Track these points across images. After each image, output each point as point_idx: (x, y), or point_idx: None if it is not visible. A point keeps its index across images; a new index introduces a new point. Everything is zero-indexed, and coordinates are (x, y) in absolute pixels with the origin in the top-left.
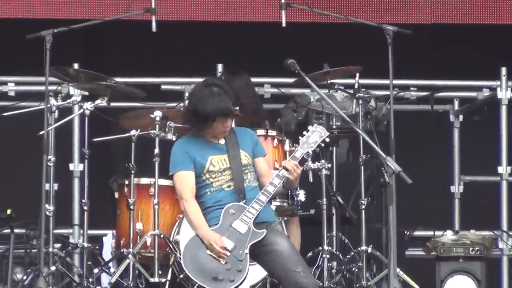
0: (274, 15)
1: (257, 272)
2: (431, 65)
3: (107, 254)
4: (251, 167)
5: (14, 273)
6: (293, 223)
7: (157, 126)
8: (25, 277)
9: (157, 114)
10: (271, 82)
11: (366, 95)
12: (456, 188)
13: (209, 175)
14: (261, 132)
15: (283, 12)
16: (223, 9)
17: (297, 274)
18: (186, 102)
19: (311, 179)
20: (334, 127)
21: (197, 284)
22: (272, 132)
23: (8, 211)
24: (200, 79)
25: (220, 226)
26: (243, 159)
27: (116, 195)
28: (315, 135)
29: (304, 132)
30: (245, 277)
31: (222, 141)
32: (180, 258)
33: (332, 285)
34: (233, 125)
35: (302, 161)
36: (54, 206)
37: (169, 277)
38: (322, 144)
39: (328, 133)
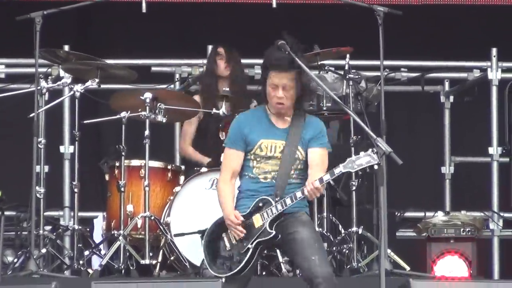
0: None
1: None
2: (421, 46)
3: (97, 236)
4: (300, 163)
5: (4, 255)
6: None
7: (147, 107)
8: (15, 260)
9: (147, 95)
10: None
11: (357, 76)
12: (447, 169)
13: (253, 157)
14: None
15: None
16: None
17: (311, 261)
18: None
19: None
20: (324, 108)
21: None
22: None
23: None
24: (190, 61)
25: (246, 214)
26: (299, 154)
27: (107, 177)
28: (365, 159)
29: (361, 152)
30: (242, 269)
31: (284, 126)
32: (170, 239)
33: None
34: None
35: None
36: (45, 188)
37: (159, 259)
38: (368, 170)
39: (378, 161)
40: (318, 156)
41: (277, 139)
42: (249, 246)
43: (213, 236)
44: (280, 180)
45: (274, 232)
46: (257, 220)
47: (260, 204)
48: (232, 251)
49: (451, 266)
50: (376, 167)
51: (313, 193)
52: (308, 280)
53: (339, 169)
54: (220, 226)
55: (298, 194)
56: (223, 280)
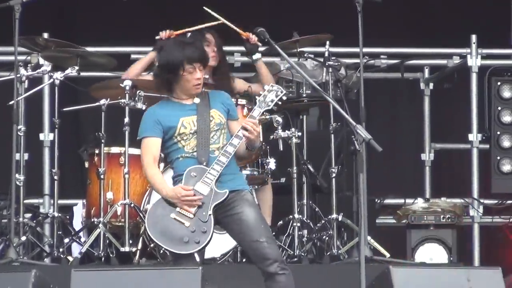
0: None
1: (227, 241)
2: (401, 33)
3: (77, 224)
4: (224, 127)
5: None
6: (265, 191)
7: (126, 95)
8: None
9: (127, 83)
10: (241, 51)
11: (336, 63)
12: (427, 156)
13: (180, 137)
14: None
15: None
16: None
17: (260, 244)
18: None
19: (281, 148)
20: (304, 95)
21: (163, 249)
22: (242, 101)
23: None
24: None
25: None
26: (216, 118)
27: (86, 164)
28: (272, 94)
29: (261, 92)
30: (210, 238)
31: (196, 100)
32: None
33: (302, 254)
34: None
35: (272, 130)
36: (25, 176)
37: (139, 246)
38: (279, 103)
39: (284, 92)
40: (237, 127)
41: (193, 114)
42: (210, 212)
43: (160, 225)
44: (200, 150)
45: (226, 191)
46: (202, 188)
47: (193, 174)
48: (193, 226)
49: (431, 253)
50: (284, 98)
51: (255, 127)
52: (258, 262)
53: (257, 111)
54: (161, 213)
55: (235, 141)
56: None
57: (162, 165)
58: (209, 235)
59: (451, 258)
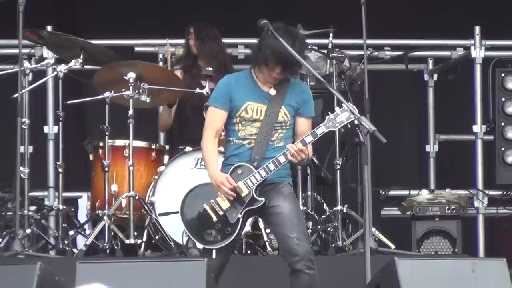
0: None
1: None
2: (405, 24)
3: (82, 216)
4: (286, 125)
5: None
6: None
7: (130, 87)
8: (0, 240)
9: (131, 75)
10: (245, 43)
11: (340, 55)
12: (431, 147)
13: (238, 120)
14: None
15: None
16: None
17: (290, 239)
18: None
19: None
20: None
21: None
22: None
23: None
24: (174, 41)
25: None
26: (280, 115)
27: (91, 157)
28: (344, 115)
29: (336, 108)
30: (232, 241)
31: (271, 91)
32: (155, 219)
33: None
34: None
35: None
36: (29, 169)
37: (144, 238)
38: (349, 126)
39: (359, 116)
40: (304, 126)
41: (262, 103)
42: (239, 216)
43: (191, 207)
44: (258, 144)
45: (263, 200)
46: (241, 189)
47: (239, 172)
48: (220, 223)
49: (436, 244)
50: (356, 122)
51: (298, 155)
52: (286, 257)
53: (321, 130)
54: (198, 196)
55: (281, 159)
56: (213, 252)
57: (166, 157)
58: (232, 236)
59: (456, 249)
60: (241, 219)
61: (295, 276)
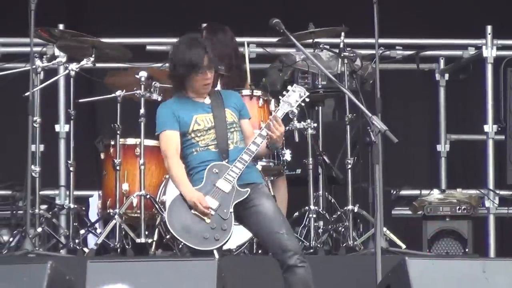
0: None
1: (243, 232)
2: (416, 23)
3: (93, 215)
4: (237, 126)
5: (0, 234)
6: (280, 182)
7: (142, 86)
8: (11, 239)
9: (142, 74)
10: (257, 42)
11: (352, 54)
12: (443, 147)
13: (194, 134)
14: (246, 92)
15: None
16: None
17: (280, 236)
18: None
19: (296, 139)
20: (319, 86)
21: (182, 244)
22: (258, 92)
23: None
24: None
25: (204, 185)
26: (228, 117)
27: (102, 155)
28: (295, 94)
29: (284, 92)
30: (230, 236)
31: (207, 101)
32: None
33: (318, 245)
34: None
35: (288, 121)
36: (40, 167)
37: (155, 237)
38: (303, 104)
39: (308, 93)
40: (249, 127)
41: (207, 112)
42: (231, 210)
43: (180, 219)
44: (221, 146)
45: (248, 190)
46: (223, 185)
47: (215, 171)
48: (215, 222)
49: (447, 244)
50: (307, 100)
51: (278, 126)
52: (278, 254)
53: (282, 111)
54: (182, 207)
55: (258, 140)
56: (215, 252)
57: None
58: (229, 233)
59: (467, 250)
60: (233, 213)
61: (290, 272)
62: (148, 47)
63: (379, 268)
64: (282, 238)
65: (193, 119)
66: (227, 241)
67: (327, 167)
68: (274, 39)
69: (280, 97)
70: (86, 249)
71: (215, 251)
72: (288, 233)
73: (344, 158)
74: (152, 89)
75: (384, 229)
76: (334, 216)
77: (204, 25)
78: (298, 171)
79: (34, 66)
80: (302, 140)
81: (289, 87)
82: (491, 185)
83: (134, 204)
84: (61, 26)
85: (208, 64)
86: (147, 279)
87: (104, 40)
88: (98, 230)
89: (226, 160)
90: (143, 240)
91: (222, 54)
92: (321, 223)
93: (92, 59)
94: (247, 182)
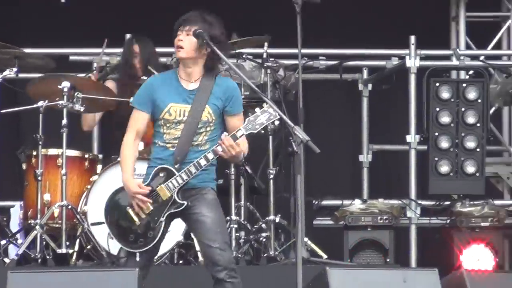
0: None
1: (165, 243)
2: (340, 33)
3: (14, 226)
4: (212, 125)
5: None
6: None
7: (64, 96)
8: None
9: (65, 84)
10: None
11: (275, 65)
12: (365, 157)
13: (163, 122)
14: None
15: None
16: None
17: (213, 249)
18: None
19: (240, 163)
20: (242, 96)
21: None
22: None
23: None
24: (108, 50)
25: (146, 185)
26: (204, 115)
27: (24, 166)
28: (264, 116)
29: (256, 109)
30: (155, 244)
31: (193, 86)
32: (87, 228)
33: (240, 255)
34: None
35: None
36: None
37: (76, 248)
38: (269, 127)
39: (278, 117)
40: (235, 123)
41: (186, 103)
42: (161, 219)
43: (115, 212)
44: (181, 146)
45: (185, 203)
46: (163, 192)
47: (161, 175)
48: (143, 226)
49: (368, 254)
50: (276, 123)
51: (230, 149)
52: (209, 266)
53: (241, 132)
54: (120, 200)
55: (210, 156)
56: (137, 255)
57: (100, 166)
58: (153, 240)
59: (388, 259)
60: (163, 223)
61: (219, 285)
62: (71, 58)
63: (300, 278)
64: (214, 252)
65: (167, 107)
66: (150, 248)
67: (249, 177)
68: None
69: (249, 114)
70: (7, 260)
71: (137, 254)
72: (222, 247)
73: (266, 168)
74: (74, 100)
75: (306, 239)
76: (255, 226)
77: (128, 36)
78: (220, 181)
79: None
80: None
81: (257, 109)
82: (413, 195)
83: (56, 215)
84: None
85: (189, 25)
86: None
87: (27, 50)
88: (20, 241)
89: (178, 165)
90: (64, 250)
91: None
92: (242, 233)
93: (15, 69)
94: (193, 186)
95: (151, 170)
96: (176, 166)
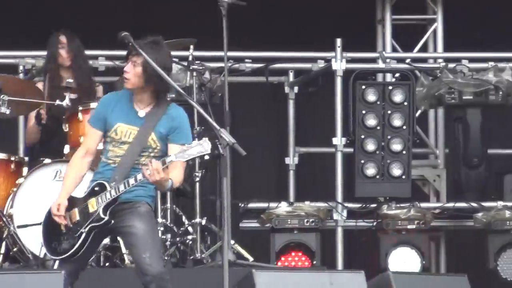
0: None
1: None
2: (266, 36)
3: None
4: (156, 152)
5: None
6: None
7: None
8: None
9: None
10: (106, 55)
11: (201, 67)
12: (291, 160)
13: (109, 140)
14: (95, 104)
15: None
16: None
17: (143, 259)
18: None
19: (167, 191)
20: (168, 99)
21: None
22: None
23: None
24: (34, 53)
25: (83, 198)
26: (149, 139)
27: None
28: (196, 149)
29: (194, 142)
30: (72, 253)
31: (142, 113)
32: (13, 231)
33: (166, 258)
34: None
35: None
36: None
37: (2, 250)
38: (198, 160)
39: (209, 151)
40: (173, 150)
41: (133, 125)
42: (82, 230)
43: (50, 218)
44: (122, 165)
45: (106, 218)
46: (92, 205)
47: (96, 188)
48: (66, 235)
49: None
50: (206, 157)
51: (155, 173)
52: (140, 276)
53: (170, 158)
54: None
55: (139, 177)
56: (56, 263)
57: (26, 169)
58: (71, 250)
59: (315, 262)
60: (84, 234)
61: None
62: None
63: (227, 281)
64: (144, 262)
65: (115, 126)
66: (69, 256)
67: None
68: (123, 52)
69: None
70: None
71: (56, 262)
72: (152, 257)
73: (192, 171)
74: (0, 102)
75: (232, 241)
76: (181, 228)
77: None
78: None
79: None
80: None
81: (196, 141)
82: (339, 198)
83: None
84: None
85: (132, 56)
86: None
87: None
88: None
89: (114, 183)
90: None
91: (82, 68)
92: (168, 235)
93: None
94: (126, 200)
95: (92, 184)
96: (112, 184)
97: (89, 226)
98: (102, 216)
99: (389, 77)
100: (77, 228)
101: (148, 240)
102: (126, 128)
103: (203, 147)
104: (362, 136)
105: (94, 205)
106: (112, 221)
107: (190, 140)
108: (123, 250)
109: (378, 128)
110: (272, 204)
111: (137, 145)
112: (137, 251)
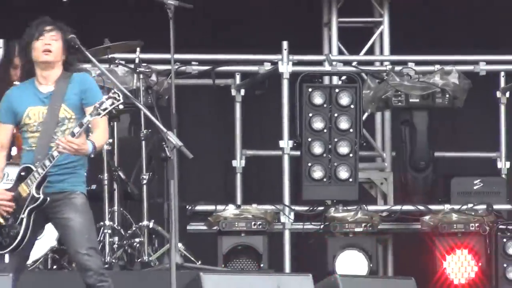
0: None
1: (39, 247)
2: (212, 38)
3: None
4: (71, 122)
5: None
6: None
7: None
8: None
9: None
10: None
11: (147, 70)
12: (238, 162)
13: (26, 128)
14: None
15: None
16: None
17: (81, 255)
18: None
19: (92, 155)
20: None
21: None
22: None
23: None
24: None
25: (11, 188)
26: (61, 112)
27: None
28: (109, 102)
29: (104, 97)
30: (20, 242)
31: (49, 88)
32: None
33: (113, 260)
34: None
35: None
36: None
37: None
38: (114, 111)
39: (122, 101)
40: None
41: (42, 105)
42: (22, 216)
43: None
44: (41, 145)
45: (42, 196)
46: (24, 189)
47: (23, 173)
48: (7, 226)
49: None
50: (121, 107)
51: (69, 147)
52: (79, 272)
53: (86, 118)
54: None
55: (55, 153)
56: (6, 257)
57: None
58: (17, 239)
59: (262, 265)
60: (25, 219)
61: None
62: None
63: (174, 284)
64: (83, 258)
65: (26, 112)
66: (15, 247)
67: (122, 183)
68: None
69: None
70: None
71: (6, 256)
72: (90, 252)
73: (140, 174)
74: None
75: (180, 244)
76: (129, 231)
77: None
78: (93, 186)
79: None
80: (97, 156)
81: (110, 94)
82: (286, 200)
83: None
84: None
85: (55, 31)
86: None
87: None
88: None
89: (37, 163)
90: None
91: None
92: (116, 238)
93: None
94: (59, 190)
95: (18, 171)
96: (36, 164)
97: (27, 210)
98: (36, 195)
99: (335, 80)
100: (16, 215)
101: (85, 235)
102: (37, 109)
103: (115, 98)
104: (309, 139)
105: (26, 188)
106: (48, 199)
107: (98, 99)
108: None
109: (325, 131)
110: (220, 207)
111: (51, 121)
112: (74, 247)
